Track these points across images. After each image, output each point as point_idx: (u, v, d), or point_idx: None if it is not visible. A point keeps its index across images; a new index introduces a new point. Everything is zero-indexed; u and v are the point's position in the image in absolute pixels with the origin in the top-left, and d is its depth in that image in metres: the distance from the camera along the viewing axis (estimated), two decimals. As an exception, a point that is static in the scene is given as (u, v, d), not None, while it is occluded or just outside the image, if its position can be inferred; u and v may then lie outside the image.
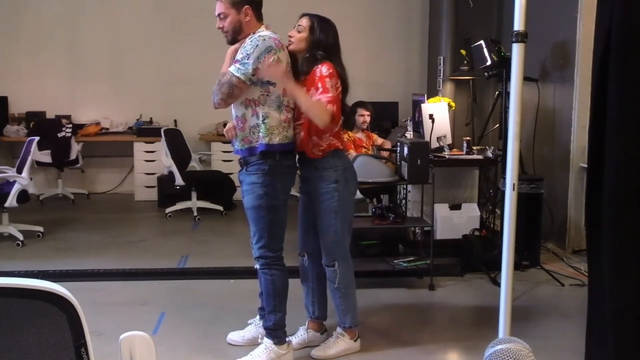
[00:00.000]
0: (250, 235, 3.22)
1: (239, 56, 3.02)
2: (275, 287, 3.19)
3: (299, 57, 3.21)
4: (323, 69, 3.09)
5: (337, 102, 3.08)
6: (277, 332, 3.22)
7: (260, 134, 3.07)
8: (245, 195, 3.16)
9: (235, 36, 3.12)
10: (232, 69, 3.01)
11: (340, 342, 3.37)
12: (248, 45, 3.02)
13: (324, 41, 3.16)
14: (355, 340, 3.41)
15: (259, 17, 3.14)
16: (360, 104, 5.55)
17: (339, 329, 3.41)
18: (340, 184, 3.20)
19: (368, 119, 5.56)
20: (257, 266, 3.24)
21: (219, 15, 3.11)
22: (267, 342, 3.21)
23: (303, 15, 3.25)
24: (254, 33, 3.08)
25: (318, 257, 3.37)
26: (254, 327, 3.52)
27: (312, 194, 3.27)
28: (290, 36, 3.21)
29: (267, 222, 3.11)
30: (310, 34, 3.17)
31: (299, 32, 3.19)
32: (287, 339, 3.27)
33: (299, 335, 3.47)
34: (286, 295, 3.25)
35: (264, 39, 3.02)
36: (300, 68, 3.19)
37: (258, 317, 3.53)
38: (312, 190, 3.26)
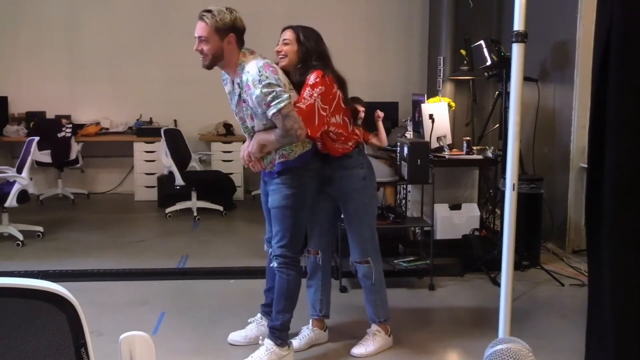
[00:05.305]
0: (271, 233, 3.24)
1: (265, 100, 2.91)
2: (290, 287, 3.20)
3: (290, 70, 3.17)
4: (311, 78, 3.08)
5: (307, 112, 3.02)
6: (282, 334, 3.21)
7: (285, 152, 3.08)
8: (271, 195, 3.16)
9: (215, 62, 3.03)
10: (275, 107, 2.90)
11: (378, 338, 3.41)
12: (258, 89, 2.91)
13: (315, 49, 3.16)
14: (389, 336, 3.46)
15: (241, 45, 3.05)
16: (352, 99, 5.53)
17: (374, 326, 3.44)
18: (367, 180, 3.30)
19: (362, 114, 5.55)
20: (274, 264, 3.23)
21: (199, 37, 3.00)
22: (269, 344, 3.20)
23: (285, 29, 3.21)
24: (238, 65, 3.02)
25: (329, 255, 3.46)
26: (255, 325, 3.52)
27: (339, 193, 3.30)
28: (279, 52, 3.17)
29: (291, 222, 3.13)
30: (299, 45, 3.14)
31: (286, 44, 3.16)
32: (288, 342, 3.26)
33: (305, 335, 3.46)
34: (297, 298, 3.26)
35: (264, 73, 2.93)
36: (293, 79, 3.14)
37: (259, 315, 3.53)
38: (340, 190, 3.29)
